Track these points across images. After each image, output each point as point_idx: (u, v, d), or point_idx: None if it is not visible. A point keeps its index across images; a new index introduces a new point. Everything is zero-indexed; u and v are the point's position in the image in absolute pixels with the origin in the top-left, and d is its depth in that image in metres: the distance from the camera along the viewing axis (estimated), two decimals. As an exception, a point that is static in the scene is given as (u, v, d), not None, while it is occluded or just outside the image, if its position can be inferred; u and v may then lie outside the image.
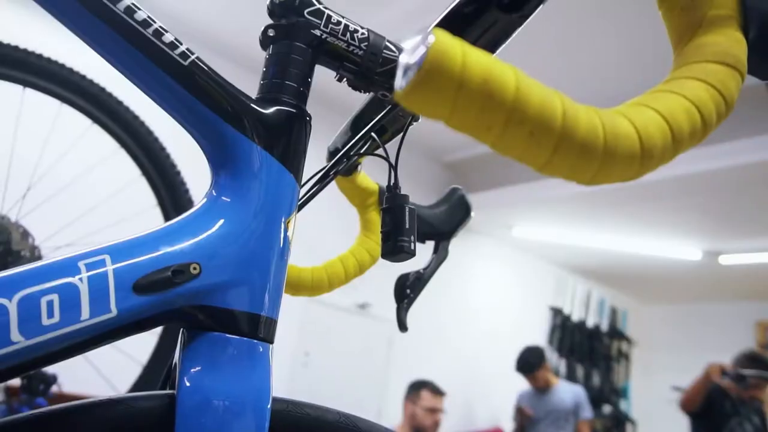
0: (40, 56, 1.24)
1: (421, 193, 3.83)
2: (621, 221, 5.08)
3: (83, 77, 1.29)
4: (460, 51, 0.27)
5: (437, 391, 3.90)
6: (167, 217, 1.36)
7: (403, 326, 0.78)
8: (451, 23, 0.49)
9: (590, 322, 6.57)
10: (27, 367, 0.38)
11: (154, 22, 0.45)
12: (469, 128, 0.28)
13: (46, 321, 0.38)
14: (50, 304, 0.38)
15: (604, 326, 6.74)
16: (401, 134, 0.60)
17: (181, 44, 0.46)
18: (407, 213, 0.53)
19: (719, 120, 0.33)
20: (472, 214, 0.86)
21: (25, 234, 1.17)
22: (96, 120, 1.31)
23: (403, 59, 0.28)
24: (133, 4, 0.44)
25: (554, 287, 6.40)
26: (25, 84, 1.24)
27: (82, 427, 0.42)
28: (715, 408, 3.50)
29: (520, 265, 6.13)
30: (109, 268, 0.41)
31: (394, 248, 0.53)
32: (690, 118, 0.31)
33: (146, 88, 0.46)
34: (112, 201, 1.61)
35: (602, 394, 6.27)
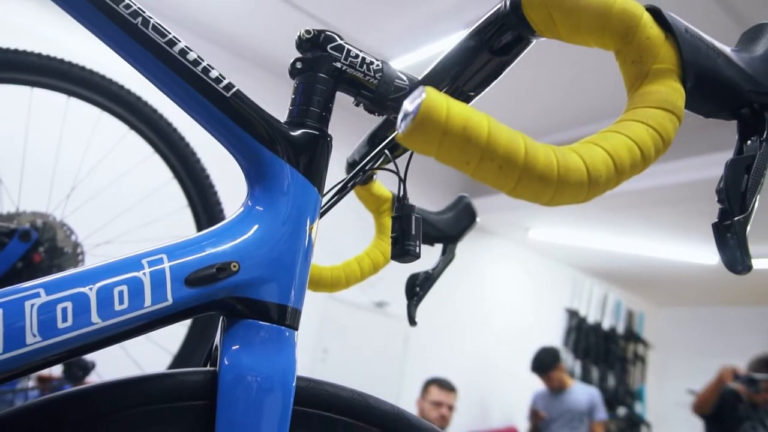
0: (83, 68, 1.34)
1: (439, 194, 3.91)
2: (638, 224, 5.12)
3: (122, 87, 1.39)
4: (445, 105, 0.35)
5: (445, 386, 3.97)
6: (197, 217, 1.45)
7: (412, 321, 0.87)
8: (452, 62, 0.57)
9: (606, 325, 6.60)
10: (102, 344, 0.47)
11: (203, 60, 0.54)
12: (452, 162, 0.36)
13: (117, 307, 0.47)
14: (121, 293, 0.47)
15: (620, 329, 6.76)
16: (411, 151, 0.68)
17: (225, 78, 0.55)
18: (413, 221, 0.62)
19: (657, 154, 0.41)
20: (478, 220, 0.95)
21: (69, 232, 1.27)
22: (133, 127, 1.41)
23: (405, 107, 0.37)
24: (186, 46, 0.53)
25: (570, 289, 6.44)
26: (69, 93, 1.34)
27: (139, 396, 0.51)
28: (729, 411, 3.53)
29: (537, 266, 6.18)
30: (166, 265, 0.50)
31: (401, 251, 0.61)
32: (631, 154, 0.39)
33: (194, 115, 0.55)
34: (146, 202, 1.71)
35: (617, 396, 6.30)
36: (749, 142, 0.45)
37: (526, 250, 6.04)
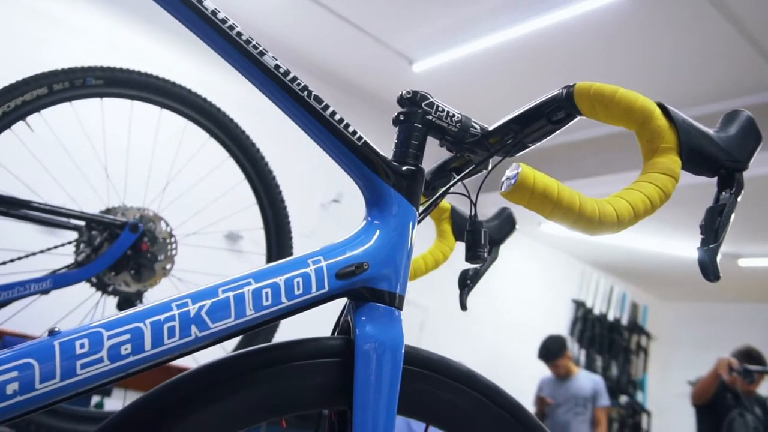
0: (174, 83, 1.57)
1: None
2: (645, 221, 5.28)
3: (204, 100, 1.61)
4: (532, 176, 0.58)
5: None
6: (264, 214, 1.68)
7: (463, 307, 1.10)
8: (519, 121, 0.79)
9: (611, 316, 6.83)
10: (285, 316, 0.70)
11: (345, 119, 0.76)
12: (535, 210, 0.59)
13: (296, 292, 0.69)
14: (298, 283, 0.69)
15: (624, 320, 6.99)
16: (481, 181, 0.90)
17: (357, 131, 0.77)
18: (482, 234, 0.84)
19: (661, 203, 0.64)
20: (517, 227, 1.18)
21: (165, 224, 1.50)
22: (212, 134, 1.63)
23: (506, 173, 0.60)
24: (334, 110, 0.75)
25: (578, 281, 6.66)
26: (162, 106, 1.57)
27: (296, 353, 0.73)
28: (719, 401, 3.76)
29: (547, 259, 6.41)
30: (323, 264, 0.72)
31: (474, 256, 0.83)
32: (644, 204, 0.62)
33: (335, 158, 0.77)
34: (222, 199, 1.93)
35: (619, 385, 6.54)
36: (723, 193, 0.68)
37: (538, 243, 6.27)
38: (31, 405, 0.55)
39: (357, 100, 4.58)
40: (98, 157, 1.61)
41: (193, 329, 0.63)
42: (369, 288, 0.75)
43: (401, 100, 0.84)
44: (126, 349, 0.59)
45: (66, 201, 1.51)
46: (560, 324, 6.28)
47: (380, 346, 0.74)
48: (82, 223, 1.43)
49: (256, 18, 3.88)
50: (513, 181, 0.58)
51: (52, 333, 0.57)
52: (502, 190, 0.59)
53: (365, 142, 0.77)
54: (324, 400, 0.74)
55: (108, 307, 1.46)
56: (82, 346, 0.57)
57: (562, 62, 3.80)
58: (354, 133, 0.77)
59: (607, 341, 6.61)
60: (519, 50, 3.71)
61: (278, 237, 1.68)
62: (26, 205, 1.41)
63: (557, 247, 6.43)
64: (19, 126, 1.38)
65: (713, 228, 0.65)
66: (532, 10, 3.36)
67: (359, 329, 0.74)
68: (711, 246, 0.64)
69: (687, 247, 5.71)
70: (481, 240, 0.85)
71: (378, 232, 0.77)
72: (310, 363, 0.74)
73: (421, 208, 0.92)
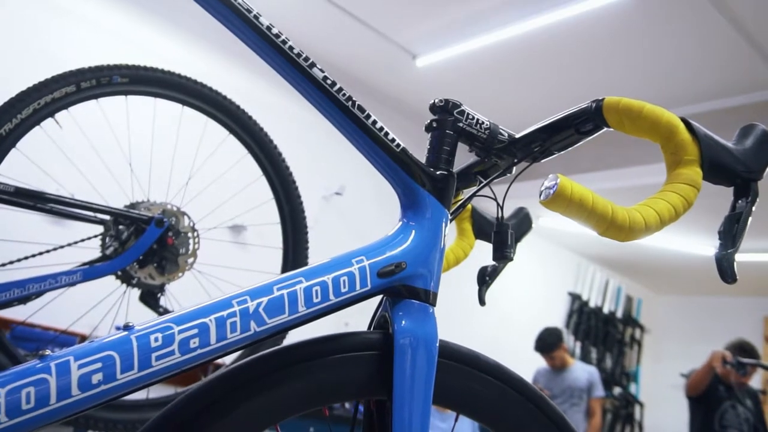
0: (195, 81, 1.60)
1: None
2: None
3: (225, 97, 1.65)
4: (569, 186, 0.63)
5: None
6: (281, 209, 1.72)
7: (482, 302, 1.15)
8: (547, 130, 0.84)
9: (606, 309, 6.91)
10: (330, 313, 0.75)
11: (384, 126, 0.81)
12: (571, 217, 0.64)
13: (342, 290, 0.74)
14: (344, 281, 0.74)
15: (619, 313, 7.08)
16: (508, 185, 0.95)
17: (396, 138, 0.82)
18: (509, 235, 0.89)
19: (684, 211, 0.69)
20: (533, 226, 1.23)
21: (188, 219, 1.55)
22: (232, 131, 1.67)
23: (545, 184, 0.65)
24: (376, 119, 0.80)
25: (574, 274, 6.74)
26: (183, 103, 1.61)
27: (339, 346, 0.78)
28: (712, 393, 3.85)
29: (544, 252, 6.47)
30: (366, 263, 0.77)
31: (502, 255, 0.88)
32: (669, 213, 0.67)
33: (374, 162, 0.82)
34: (240, 195, 1.97)
35: (613, 376, 6.63)
36: (740, 202, 0.73)
37: (535, 237, 6.32)
38: (112, 393, 0.59)
39: (360, 94, 4.58)
40: (123, 153, 1.65)
41: (252, 324, 0.67)
42: (406, 286, 0.80)
43: (433, 108, 0.88)
44: (194, 343, 0.64)
45: (76, 192, 1.54)
46: (556, 316, 6.37)
47: (417, 340, 0.78)
48: (107, 217, 1.47)
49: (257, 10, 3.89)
50: (552, 191, 0.63)
51: (127, 327, 0.62)
52: (542, 199, 0.65)
53: (403, 149, 0.82)
54: (365, 389, 0.78)
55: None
56: (156, 339, 0.61)
57: (564, 60, 3.85)
58: (393, 140, 0.81)
59: (602, 333, 6.70)
60: (521, 47, 3.75)
61: (294, 231, 1.72)
62: (54, 199, 1.45)
63: (554, 240, 6.50)
64: (47, 123, 1.42)
65: (731, 234, 0.71)
66: (535, 8, 3.41)
67: (397, 324, 0.78)
68: (729, 251, 0.70)
69: (682, 242, 5.80)
70: (508, 240, 0.90)
71: (414, 233, 0.82)
72: (353, 355, 0.78)
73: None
